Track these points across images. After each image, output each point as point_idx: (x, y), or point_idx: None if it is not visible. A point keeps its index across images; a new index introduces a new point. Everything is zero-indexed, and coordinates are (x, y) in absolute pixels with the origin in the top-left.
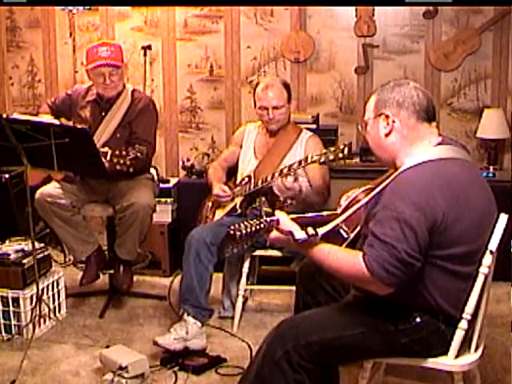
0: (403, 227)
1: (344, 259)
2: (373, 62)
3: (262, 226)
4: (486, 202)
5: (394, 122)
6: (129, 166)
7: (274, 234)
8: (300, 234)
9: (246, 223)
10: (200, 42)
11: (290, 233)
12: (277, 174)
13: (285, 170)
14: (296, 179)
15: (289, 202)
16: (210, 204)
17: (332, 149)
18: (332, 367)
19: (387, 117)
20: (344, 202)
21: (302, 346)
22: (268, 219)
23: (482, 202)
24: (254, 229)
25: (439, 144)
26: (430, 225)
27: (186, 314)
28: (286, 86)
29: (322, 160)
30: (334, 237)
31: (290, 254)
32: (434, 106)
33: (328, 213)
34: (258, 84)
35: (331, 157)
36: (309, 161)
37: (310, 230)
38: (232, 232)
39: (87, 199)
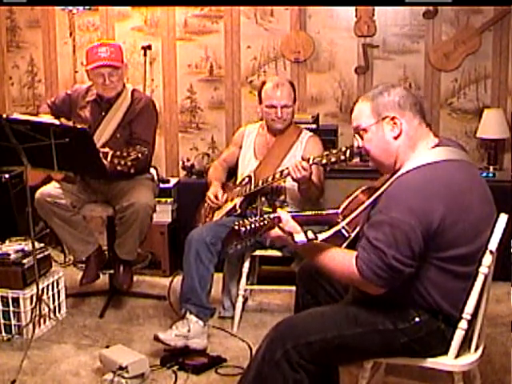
0: (395, 233)
1: (339, 261)
2: (373, 62)
3: (265, 222)
4: (484, 203)
5: (401, 123)
6: (130, 166)
7: (275, 231)
8: (299, 237)
9: (250, 219)
10: (200, 42)
11: (290, 234)
12: (277, 175)
13: (285, 171)
14: (308, 159)
15: (288, 201)
16: None
17: (334, 151)
18: (332, 367)
19: (393, 119)
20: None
21: (302, 345)
22: (271, 216)
23: (480, 202)
24: (257, 225)
25: (436, 146)
26: (425, 229)
27: (188, 313)
28: (293, 86)
29: (324, 162)
30: (335, 237)
31: (289, 253)
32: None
33: (327, 212)
34: (264, 83)
35: (333, 159)
36: (310, 162)
37: (310, 234)
38: (237, 228)
39: (87, 199)
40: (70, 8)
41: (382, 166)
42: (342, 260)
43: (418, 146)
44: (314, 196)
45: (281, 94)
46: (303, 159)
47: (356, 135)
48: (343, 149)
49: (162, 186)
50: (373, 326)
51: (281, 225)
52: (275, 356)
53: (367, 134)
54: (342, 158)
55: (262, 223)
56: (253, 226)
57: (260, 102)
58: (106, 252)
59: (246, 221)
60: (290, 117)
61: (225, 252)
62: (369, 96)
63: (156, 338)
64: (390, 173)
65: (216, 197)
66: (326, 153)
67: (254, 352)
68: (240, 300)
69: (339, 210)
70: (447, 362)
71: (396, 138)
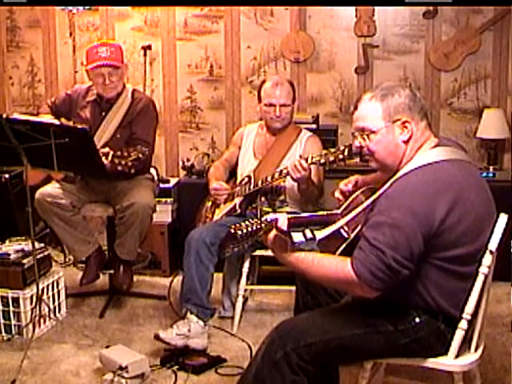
0: (395, 233)
1: (331, 265)
2: (373, 62)
3: (262, 225)
4: (484, 203)
5: (412, 128)
6: (130, 166)
7: (274, 234)
8: (298, 237)
9: (246, 222)
10: (200, 42)
11: (289, 234)
12: (277, 175)
13: (284, 171)
14: (307, 159)
15: (288, 201)
16: (210, 204)
17: (332, 150)
18: (332, 368)
19: (404, 123)
20: (338, 195)
21: (302, 347)
22: (268, 218)
23: (480, 202)
24: (254, 228)
25: (436, 146)
26: (426, 230)
27: (188, 313)
28: (292, 85)
29: (323, 161)
30: (334, 237)
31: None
32: None
33: (327, 212)
34: (264, 81)
35: (331, 158)
36: (309, 162)
37: (308, 234)
38: (233, 231)
39: (87, 199)
40: (70, 8)
41: (385, 168)
42: (334, 264)
43: (421, 148)
44: (314, 196)
45: (280, 93)
46: (302, 159)
47: (358, 135)
48: (342, 148)
49: (162, 185)
50: (373, 327)
51: (279, 226)
52: (275, 358)
53: (375, 136)
54: (341, 157)
55: (258, 226)
56: (249, 229)
57: (259, 100)
58: (106, 252)
59: (242, 224)
60: (289, 116)
61: (222, 254)
62: (377, 96)
63: (156, 337)
64: (390, 174)
65: (221, 184)
66: (324, 152)
67: (253, 352)
68: (240, 300)
69: (339, 211)
70: (447, 362)
71: (406, 142)
